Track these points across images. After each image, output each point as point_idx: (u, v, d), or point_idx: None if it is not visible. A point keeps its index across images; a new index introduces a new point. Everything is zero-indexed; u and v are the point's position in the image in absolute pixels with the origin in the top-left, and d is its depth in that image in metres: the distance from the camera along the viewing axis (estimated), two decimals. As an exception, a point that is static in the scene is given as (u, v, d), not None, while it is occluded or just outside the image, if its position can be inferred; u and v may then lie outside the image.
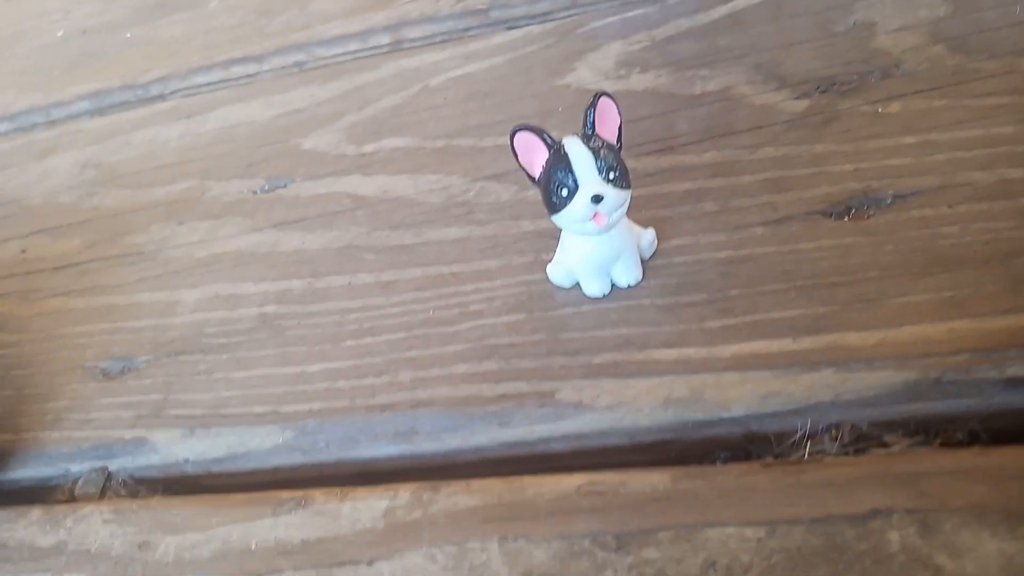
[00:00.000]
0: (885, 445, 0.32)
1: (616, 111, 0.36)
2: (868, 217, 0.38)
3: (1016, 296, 0.33)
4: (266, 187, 0.53)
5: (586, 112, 0.35)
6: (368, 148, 0.52)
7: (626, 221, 0.38)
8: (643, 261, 0.39)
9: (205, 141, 0.58)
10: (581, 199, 0.34)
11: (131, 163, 0.59)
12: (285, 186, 0.52)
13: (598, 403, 0.35)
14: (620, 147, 0.36)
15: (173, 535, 0.35)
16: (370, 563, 0.32)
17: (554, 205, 0.35)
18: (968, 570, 0.26)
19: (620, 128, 0.36)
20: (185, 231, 0.52)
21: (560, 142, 0.35)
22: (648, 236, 0.39)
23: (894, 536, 0.28)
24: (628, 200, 0.36)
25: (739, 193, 0.41)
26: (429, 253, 0.44)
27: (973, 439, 0.32)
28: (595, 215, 0.35)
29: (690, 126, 0.46)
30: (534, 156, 0.36)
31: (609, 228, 0.36)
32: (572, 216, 0.35)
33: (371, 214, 0.48)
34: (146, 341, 0.45)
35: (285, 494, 0.35)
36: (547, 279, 0.40)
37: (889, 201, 0.39)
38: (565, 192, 0.35)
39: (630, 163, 0.36)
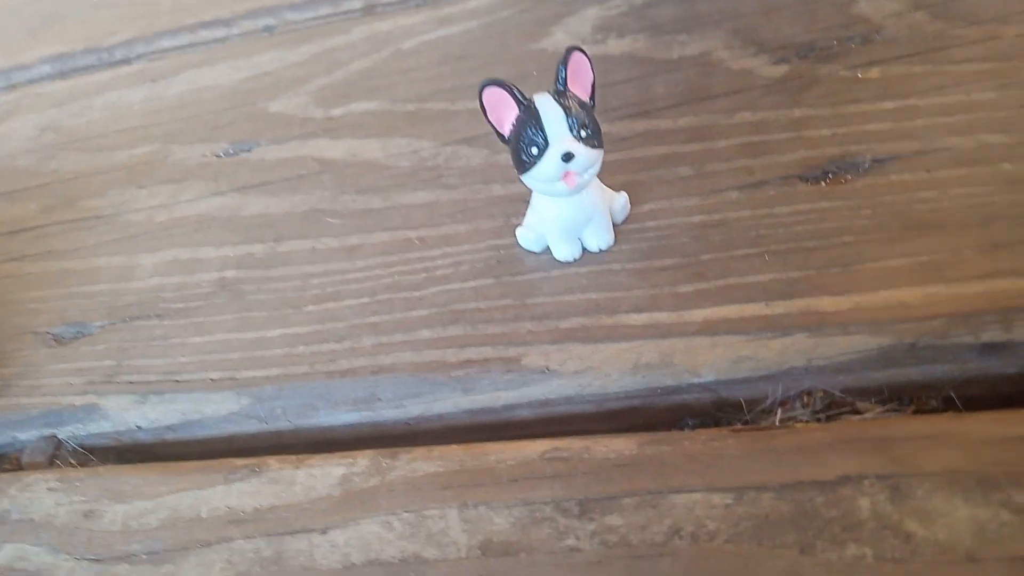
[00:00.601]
0: (858, 412, 0.31)
1: (589, 67, 0.35)
2: (845, 182, 0.37)
3: (994, 261, 0.33)
4: (230, 151, 0.51)
5: (558, 67, 0.34)
6: (336, 112, 0.51)
7: (598, 184, 0.37)
8: (615, 225, 0.38)
9: (169, 105, 0.56)
10: (551, 157, 0.33)
11: (92, 127, 0.57)
12: (250, 150, 0.51)
13: (565, 369, 0.34)
14: (593, 105, 0.35)
15: (120, 504, 0.34)
16: (324, 531, 0.30)
17: (523, 164, 0.34)
18: (939, 537, 0.26)
19: (593, 86, 0.35)
20: (145, 195, 0.50)
21: (531, 98, 0.34)
22: (620, 199, 0.38)
23: (864, 502, 0.27)
24: (600, 160, 0.35)
25: (715, 157, 0.40)
26: (396, 217, 0.43)
27: (948, 406, 0.31)
28: (565, 174, 0.34)
29: (667, 91, 0.45)
30: (504, 113, 0.34)
31: (580, 189, 0.35)
32: (542, 175, 0.34)
33: (337, 178, 0.46)
34: (101, 306, 0.43)
35: (239, 461, 0.34)
36: (517, 243, 0.39)
37: (867, 166, 0.38)
38: (535, 150, 0.33)
39: (605, 127, 0.35)
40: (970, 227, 0.34)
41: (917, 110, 0.39)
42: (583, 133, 0.33)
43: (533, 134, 0.33)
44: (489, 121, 0.34)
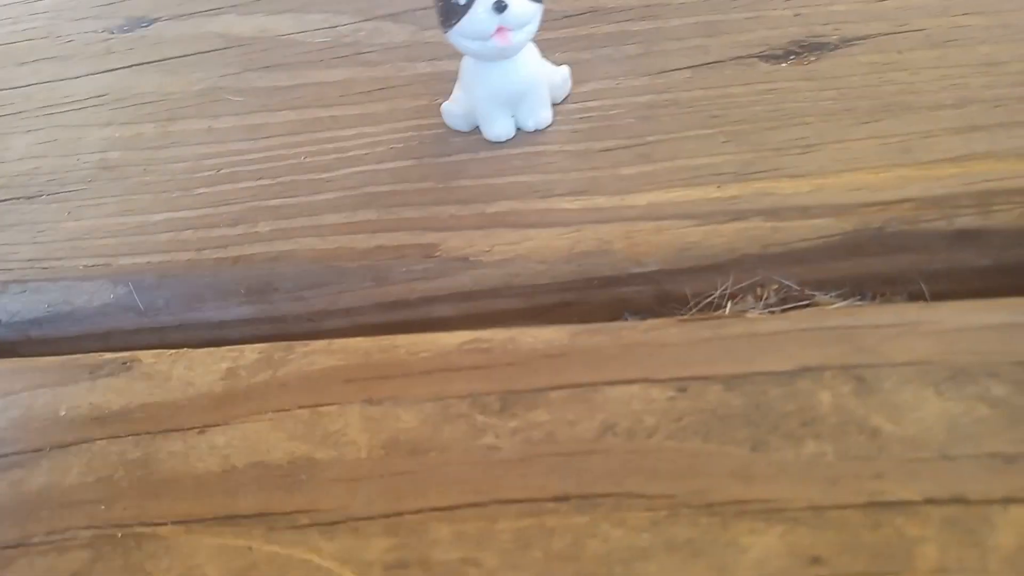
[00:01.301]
0: (816, 306, 0.28)
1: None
2: (809, 63, 0.34)
3: (970, 143, 0.29)
4: (125, 27, 0.45)
5: (491, -94, 0.29)
6: (246, -15, 0.45)
7: (535, 52, 0.32)
8: (553, 104, 0.34)
9: (57, -23, 0.50)
10: (482, 6, 0.29)
11: (-34, -1, 0.50)
12: (147, 26, 0.45)
13: (490, 257, 0.30)
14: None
15: (-36, 401, 0.29)
16: (202, 431, 0.26)
17: (449, 15, 0.29)
18: (909, 432, 0.22)
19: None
20: (26, 72, 0.44)
21: (458, -61, 0.29)
22: (561, 73, 0.34)
23: (825, 396, 0.23)
24: (539, 17, 0.30)
25: (667, 36, 0.36)
26: (307, 95, 0.38)
27: (915, 300, 0.28)
28: (498, 30, 0.29)
29: (615, -33, 0.40)
30: (426, -42, 0.29)
31: (515, 51, 0.30)
32: (470, 30, 0.29)
33: (243, 55, 0.41)
34: (-38, 189, 0.37)
35: (107, 355, 0.29)
36: (443, 123, 0.34)
37: (833, 47, 0.34)
38: (462, -1, 0.29)
39: (547, 4, 0.30)
40: (944, 109, 0.31)
41: (888, -10, 0.36)
42: (519, -18, 0.29)
43: (461, -19, 0.28)
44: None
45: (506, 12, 0.29)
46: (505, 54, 0.30)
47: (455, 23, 0.29)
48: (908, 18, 0.35)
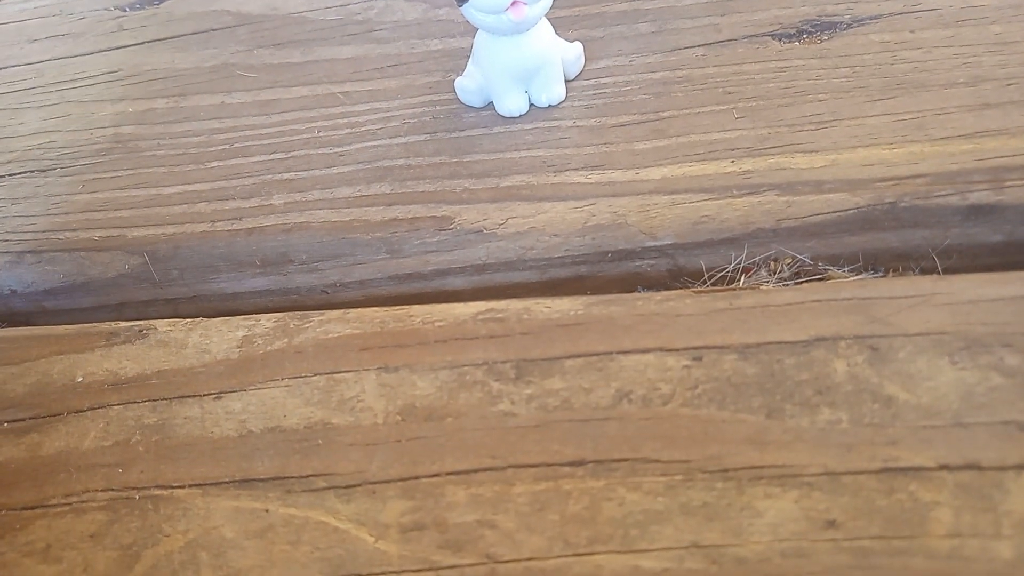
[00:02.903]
0: (829, 280, 0.28)
1: None
2: (821, 41, 0.34)
3: (982, 120, 0.29)
4: (136, 4, 0.45)
5: None
6: (257, -37, 0.45)
7: (549, 27, 0.32)
8: (567, 81, 0.34)
9: (67, -45, 0.50)
10: (496, -21, 0.29)
11: (-23, -24, 0.50)
12: (158, 4, 0.45)
13: (505, 230, 0.30)
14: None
15: (-20, 367, 0.29)
16: (218, 397, 0.26)
17: (463, -11, 0.29)
18: (923, 401, 0.22)
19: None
20: (38, 49, 0.44)
21: (474, -86, 0.29)
22: (575, 50, 0.34)
23: (840, 365, 0.23)
24: (552, -8, 0.30)
25: (680, 15, 0.36)
26: (318, 71, 0.38)
27: (927, 275, 0.28)
28: (513, 3, 0.29)
29: (627, -53, 0.40)
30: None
31: (528, 25, 0.30)
32: (486, 3, 0.29)
33: (254, 31, 0.41)
34: (-26, 162, 0.38)
35: (123, 324, 0.29)
36: (455, 99, 0.34)
37: (846, 25, 0.34)
38: (477, -28, 0.29)
39: None
40: (956, 86, 0.31)
41: (901, -30, 0.36)
42: (534, -44, 0.29)
43: (476, -46, 0.29)
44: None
45: (522, -15, 0.29)
46: (519, 28, 0.30)
47: (471, -4, 0.29)
48: (921, -2, 0.35)
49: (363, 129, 0.34)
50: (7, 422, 0.27)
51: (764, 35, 0.34)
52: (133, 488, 0.24)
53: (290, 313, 0.28)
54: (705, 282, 0.29)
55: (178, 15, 0.44)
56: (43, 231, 0.34)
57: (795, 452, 0.22)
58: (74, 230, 0.33)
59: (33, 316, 0.33)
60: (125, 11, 0.45)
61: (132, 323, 0.29)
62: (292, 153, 0.34)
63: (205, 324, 0.29)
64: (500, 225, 0.30)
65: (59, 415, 0.27)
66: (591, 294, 0.29)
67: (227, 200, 0.33)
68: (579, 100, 0.33)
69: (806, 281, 0.28)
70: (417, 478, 0.23)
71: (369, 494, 0.23)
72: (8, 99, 0.41)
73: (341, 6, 0.41)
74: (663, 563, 0.21)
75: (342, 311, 0.28)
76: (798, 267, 0.28)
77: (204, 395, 0.26)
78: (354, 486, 0.23)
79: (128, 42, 0.43)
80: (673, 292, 0.27)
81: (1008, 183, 0.27)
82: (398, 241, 0.31)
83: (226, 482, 0.24)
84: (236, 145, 0.35)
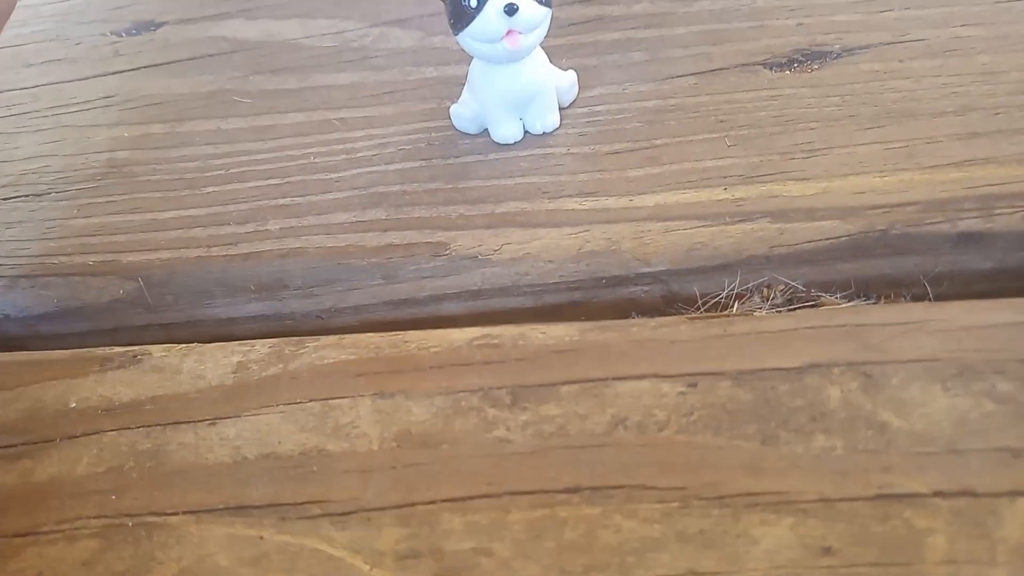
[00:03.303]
0: (822, 307, 0.28)
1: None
2: (812, 71, 0.34)
3: (971, 149, 0.30)
4: (132, 30, 0.45)
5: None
6: (253, -10, 0.45)
7: (543, 56, 0.33)
8: (561, 108, 0.34)
9: (64, -19, 0.50)
10: (493, 8, 0.29)
11: (-27, 1, 0.50)
12: (154, 30, 0.45)
13: (500, 256, 0.30)
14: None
15: (-28, 393, 0.29)
16: (212, 423, 0.26)
17: (461, 17, 0.30)
18: (917, 427, 0.23)
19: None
20: (34, 74, 0.44)
21: (470, -56, 0.29)
22: (568, 78, 0.34)
23: (834, 392, 0.24)
24: (547, 22, 0.31)
25: (671, 44, 0.37)
26: (314, 98, 0.38)
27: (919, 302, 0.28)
28: (508, 33, 0.30)
29: (620, -23, 0.41)
30: (439, -38, 0.30)
31: (524, 54, 0.31)
32: (481, 32, 0.30)
33: (250, 58, 0.41)
34: (-31, 186, 0.38)
35: (117, 349, 0.29)
36: (450, 126, 0.35)
37: (836, 55, 0.35)
38: (474, 1, 0.29)
39: (554, 11, 0.31)
40: (945, 116, 0.31)
41: (888, 1, 0.36)
42: (529, -14, 0.29)
43: (472, -17, 0.29)
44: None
45: (516, 15, 0.29)
46: (514, 57, 0.31)
47: (466, 25, 0.30)
48: (908, 28, 0.35)
49: (359, 155, 0.35)
50: (-1, 448, 0.27)
51: (756, 64, 0.35)
52: (126, 515, 0.24)
53: (285, 339, 0.29)
54: (699, 308, 0.29)
55: (174, 41, 0.44)
56: (37, 255, 0.34)
57: (790, 479, 0.22)
58: (68, 255, 0.33)
59: (26, 341, 0.33)
60: (121, 36, 0.45)
61: (126, 348, 0.29)
62: (288, 179, 0.34)
63: (200, 350, 0.29)
64: (495, 251, 0.30)
65: (52, 441, 0.27)
66: (585, 320, 0.29)
67: (222, 225, 0.33)
68: (573, 128, 0.34)
69: (799, 308, 0.28)
70: (413, 505, 0.23)
71: (364, 521, 0.23)
72: (3, 124, 0.41)
73: (337, 33, 0.41)
74: (660, 591, 0.21)
75: (337, 337, 0.28)
76: (791, 294, 0.29)
77: (198, 421, 0.26)
78: (349, 513, 0.23)
79: (124, 67, 0.43)
80: (668, 318, 0.27)
81: (997, 211, 0.28)
82: (393, 267, 0.31)
83: (220, 509, 0.24)
84: (232, 171, 0.35)
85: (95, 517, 0.24)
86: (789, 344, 0.25)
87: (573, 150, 0.33)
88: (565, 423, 0.24)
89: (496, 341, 0.27)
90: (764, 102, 0.33)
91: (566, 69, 0.34)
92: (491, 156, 0.33)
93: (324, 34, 0.42)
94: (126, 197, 0.35)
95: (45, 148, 0.39)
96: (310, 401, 0.26)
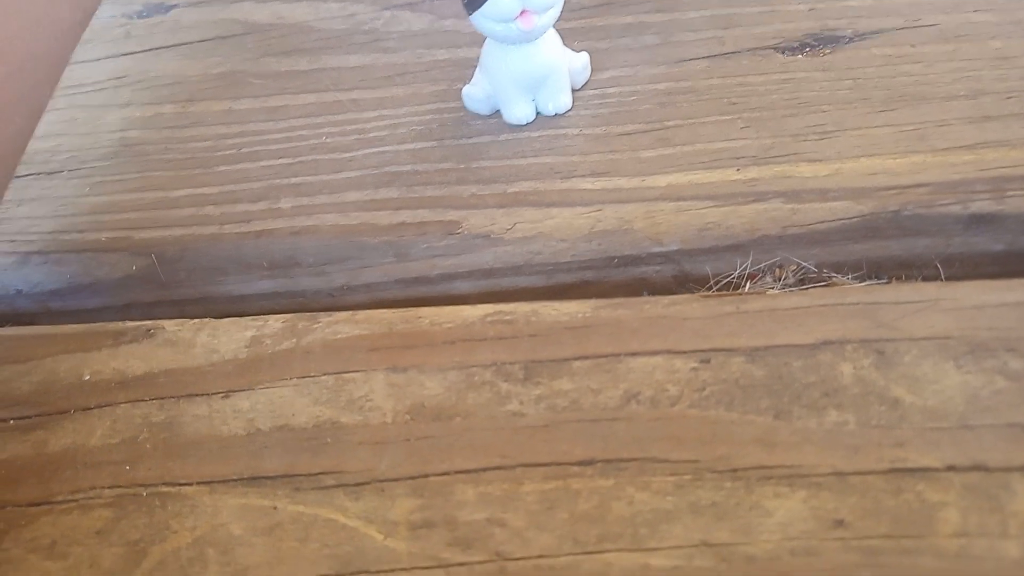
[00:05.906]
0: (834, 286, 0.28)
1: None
2: (824, 55, 0.34)
3: (983, 132, 0.30)
4: (144, 12, 0.45)
5: None
6: (264, -27, 0.45)
7: (556, 37, 0.33)
8: (573, 90, 0.34)
9: (75, -37, 0.50)
10: (506, -11, 0.29)
11: (-16, -17, 0.50)
12: (166, 12, 0.45)
13: (512, 235, 0.30)
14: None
15: (-14, 366, 0.29)
16: (226, 395, 0.26)
17: (474, -2, 0.30)
18: (930, 403, 0.23)
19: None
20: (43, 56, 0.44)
21: (484, -76, 0.29)
22: (581, 60, 0.34)
23: (847, 368, 0.24)
24: (561, 3, 0.31)
25: (683, 28, 0.37)
26: (325, 79, 0.38)
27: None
28: (522, 13, 0.30)
29: (632, -38, 0.41)
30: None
31: (537, 35, 0.31)
32: (495, 12, 0.30)
33: (261, 40, 0.41)
34: (-19, 165, 0.38)
35: (131, 324, 0.29)
36: (462, 106, 0.35)
37: (848, 40, 0.35)
38: (488, -19, 0.29)
39: None
40: (957, 99, 0.31)
41: (901, -13, 0.36)
42: (543, -34, 0.29)
43: (487, -37, 0.29)
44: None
45: (531, -5, 0.29)
46: (528, 37, 0.31)
47: (480, 5, 0.30)
48: (920, 14, 0.35)
49: (371, 135, 0.35)
50: (13, 419, 0.27)
51: (768, 48, 0.35)
52: (140, 485, 0.24)
53: (298, 314, 0.29)
54: (711, 288, 0.29)
55: (185, 23, 0.44)
56: (50, 232, 0.34)
57: (803, 453, 0.22)
58: (81, 231, 0.33)
59: (38, 316, 0.33)
60: (132, 19, 0.45)
61: (140, 322, 0.29)
62: (300, 158, 0.34)
63: (213, 324, 0.29)
64: (507, 230, 0.30)
65: (66, 412, 0.27)
66: (597, 298, 0.29)
67: (235, 203, 0.33)
68: (585, 109, 0.34)
69: (811, 288, 0.28)
70: (426, 476, 0.23)
71: (378, 492, 0.23)
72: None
73: (347, 16, 0.41)
74: (673, 561, 0.21)
75: (350, 312, 0.28)
76: (803, 274, 0.29)
77: (212, 394, 0.26)
78: (363, 484, 0.23)
79: (135, 49, 0.43)
80: (680, 296, 0.27)
81: (1009, 193, 0.28)
82: (405, 245, 0.31)
83: (234, 479, 0.24)
84: (244, 150, 0.35)
85: (109, 487, 0.24)
86: (802, 322, 0.25)
87: (585, 131, 0.33)
88: (578, 397, 0.24)
89: (509, 317, 0.27)
90: (776, 85, 0.33)
91: (579, 51, 0.34)
92: (503, 136, 0.34)
93: (335, 17, 0.42)
94: (138, 175, 0.35)
95: (57, 127, 0.39)
96: (324, 375, 0.26)
